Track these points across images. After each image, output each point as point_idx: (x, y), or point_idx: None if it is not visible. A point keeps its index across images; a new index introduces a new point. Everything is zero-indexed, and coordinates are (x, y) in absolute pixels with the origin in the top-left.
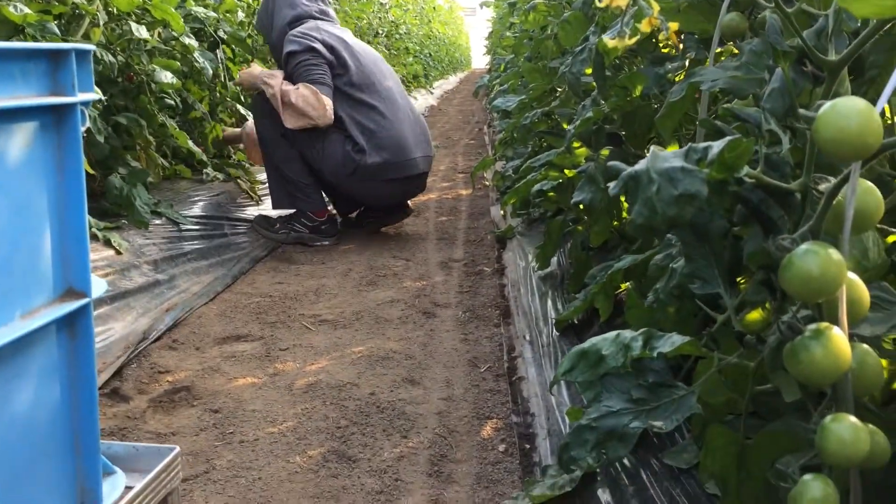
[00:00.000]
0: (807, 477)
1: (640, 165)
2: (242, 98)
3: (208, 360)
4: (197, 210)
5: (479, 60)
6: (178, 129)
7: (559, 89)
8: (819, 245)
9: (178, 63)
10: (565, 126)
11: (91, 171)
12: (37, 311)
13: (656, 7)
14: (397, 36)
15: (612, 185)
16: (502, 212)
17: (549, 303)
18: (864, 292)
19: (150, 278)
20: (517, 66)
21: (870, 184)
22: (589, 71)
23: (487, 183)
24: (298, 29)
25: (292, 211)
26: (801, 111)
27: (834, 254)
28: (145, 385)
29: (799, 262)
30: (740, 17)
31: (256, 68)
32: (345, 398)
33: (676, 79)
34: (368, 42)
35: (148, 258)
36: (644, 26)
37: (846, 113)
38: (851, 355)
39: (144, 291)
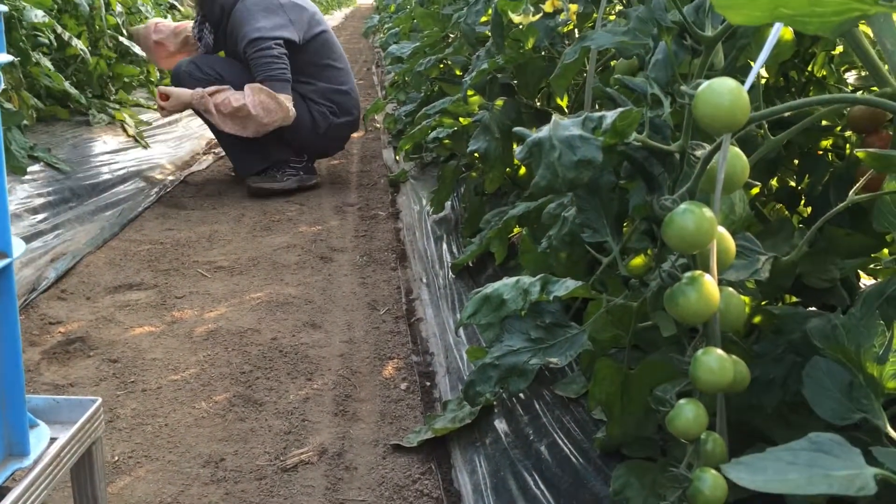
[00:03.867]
0: (681, 401)
1: (543, 133)
2: (124, 31)
3: (101, 309)
4: (77, 154)
5: None
6: (53, 70)
7: (452, 35)
8: (695, 205)
9: None
10: (458, 73)
11: None
12: None
13: None
14: None
15: (517, 150)
16: (395, 156)
17: (445, 246)
18: (731, 243)
19: (33, 227)
20: (408, 9)
21: (737, 150)
22: (485, 19)
23: (378, 125)
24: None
25: (267, 165)
26: (683, 88)
27: (707, 212)
28: (36, 337)
29: (678, 219)
30: None
31: (184, 91)
32: (247, 344)
33: (564, 30)
34: None
35: (28, 206)
36: (547, 6)
37: (720, 91)
38: (720, 298)
39: (27, 241)
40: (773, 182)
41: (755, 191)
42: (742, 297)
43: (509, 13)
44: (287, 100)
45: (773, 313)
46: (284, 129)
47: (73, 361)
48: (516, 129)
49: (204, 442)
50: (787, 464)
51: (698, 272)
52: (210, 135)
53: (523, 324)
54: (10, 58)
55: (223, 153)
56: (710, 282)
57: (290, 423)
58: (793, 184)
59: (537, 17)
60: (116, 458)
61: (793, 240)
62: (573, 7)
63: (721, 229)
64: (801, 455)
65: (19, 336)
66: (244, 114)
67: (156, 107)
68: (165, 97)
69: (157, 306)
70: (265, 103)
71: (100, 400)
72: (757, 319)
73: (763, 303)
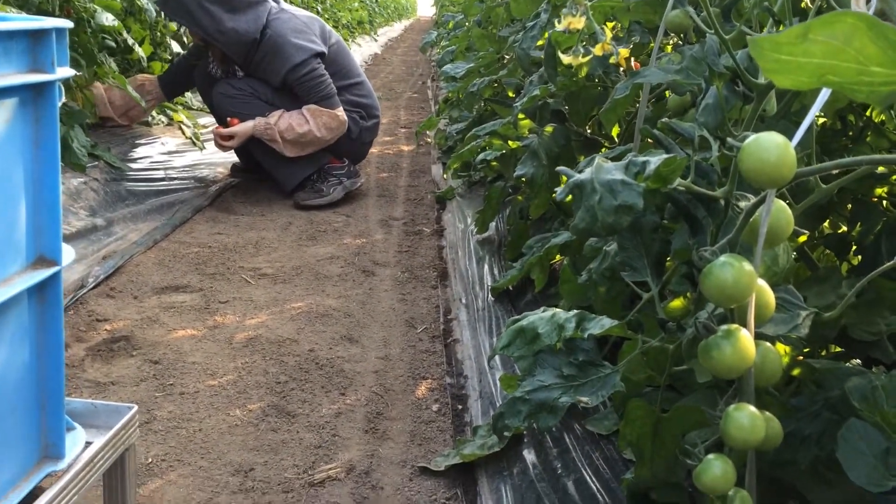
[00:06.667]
0: (710, 456)
1: (585, 175)
2: (185, 39)
3: (147, 309)
4: (136, 154)
5: (426, 8)
6: (117, 73)
7: (507, 57)
8: (734, 258)
9: (119, 2)
10: (511, 94)
11: None
12: (11, 278)
13: (609, 34)
14: None
15: (559, 189)
16: (444, 173)
17: (486, 267)
18: (770, 298)
19: (87, 223)
20: (465, 27)
21: (782, 203)
22: (540, 43)
23: (429, 140)
24: (282, 24)
25: (309, 174)
26: (729, 140)
27: (746, 266)
28: (83, 333)
29: (717, 272)
30: (684, 14)
31: (246, 125)
32: (284, 354)
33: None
34: None
35: (84, 203)
36: (597, 50)
37: (767, 146)
38: (755, 353)
39: (81, 237)
40: (825, 225)
41: (803, 238)
42: (782, 346)
43: (557, 34)
44: (340, 111)
45: (814, 367)
46: None
47: (116, 360)
48: (559, 168)
49: (235, 450)
50: None
51: (734, 326)
52: None
53: (556, 359)
54: (72, 72)
55: None
56: (746, 337)
57: (321, 438)
58: (844, 228)
59: (587, 58)
60: (150, 459)
61: (840, 289)
62: (623, 52)
63: (761, 282)
64: None
65: (62, 343)
66: (309, 139)
67: (215, 145)
68: (229, 137)
69: (200, 310)
70: (327, 123)
71: (135, 407)
72: (796, 372)
73: (805, 350)
